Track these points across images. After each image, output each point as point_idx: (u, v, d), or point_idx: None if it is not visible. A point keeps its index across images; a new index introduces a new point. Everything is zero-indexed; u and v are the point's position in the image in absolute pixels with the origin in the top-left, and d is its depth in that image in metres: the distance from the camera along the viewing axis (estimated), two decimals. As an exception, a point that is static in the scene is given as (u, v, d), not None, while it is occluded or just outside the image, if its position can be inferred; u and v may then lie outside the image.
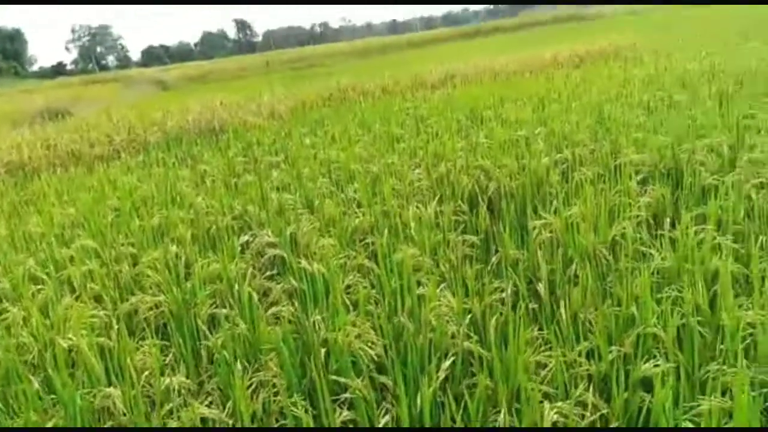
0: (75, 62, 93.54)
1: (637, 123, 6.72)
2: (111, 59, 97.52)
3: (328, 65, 38.82)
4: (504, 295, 3.34)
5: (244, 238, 4.76)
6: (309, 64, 41.51)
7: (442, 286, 3.61)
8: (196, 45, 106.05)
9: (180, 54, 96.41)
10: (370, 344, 3.09)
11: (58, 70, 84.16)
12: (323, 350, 3.13)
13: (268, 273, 4.35)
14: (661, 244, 3.76)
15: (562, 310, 3.14)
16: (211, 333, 3.54)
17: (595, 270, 3.62)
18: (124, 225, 6.03)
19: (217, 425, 2.86)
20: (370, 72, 21.76)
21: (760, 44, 12.94)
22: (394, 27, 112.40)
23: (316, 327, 3.34)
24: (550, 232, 4.07)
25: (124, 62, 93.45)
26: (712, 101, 7.35)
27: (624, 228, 3.88)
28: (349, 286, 3.80)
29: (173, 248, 5.05)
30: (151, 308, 4.05)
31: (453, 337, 3.10)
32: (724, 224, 3.89)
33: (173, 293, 4.05)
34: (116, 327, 3.74)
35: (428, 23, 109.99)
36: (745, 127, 5.73)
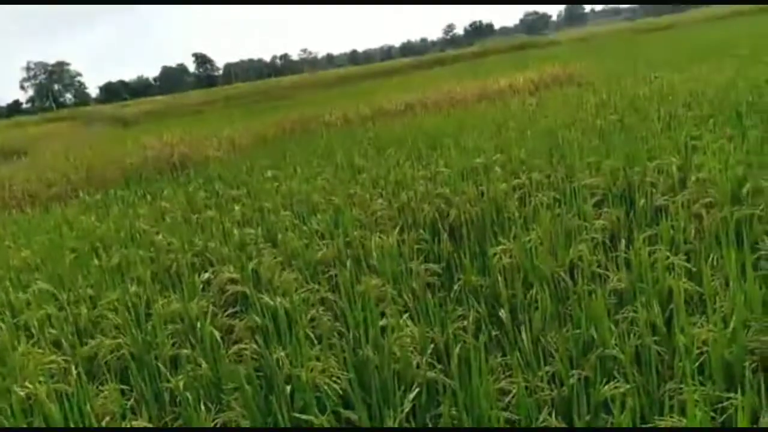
0: (31, 100, 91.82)
1: (591, 147, 6.91)
2: (69, 96, 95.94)
3: (289, 97, 38.97)
4: (466, 323, 3.36)
5: (205, 275, 4.69)
6: (270, 96, 41.56)
7: (405, 316, 3.61)
8: (155, 80, 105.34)
9: (139, 89, 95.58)
10: (334, 379, 3.06)
11: (14, 108, 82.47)
12: (288, 387, 3.09)
13: (230, 310, 4.28)
14: (617, 266, 3.85)
15: (524, 335, 3.17)
16: (173, 374, 3.47)
17: (554, 294, 3.68)
18: (83, 266, 5.89)
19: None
20: (331, 103, 21.92)
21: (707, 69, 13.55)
22: (354, 57, 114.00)
23: (280, 363, 3.30)
24: (510, 257, 4.13)
25: (83, 99, 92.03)
26: (661, 123, 7.63)
27: (581, 251, 3.96)
28: (312, 319, 3.77)
29: (133, 288, 4.96)
30: (111, 351, 3.94)
31: (417, 367, 3.10)
32: (677, 243, 4.01)
33: (133, 335, 3.96)
34: (75, 372, 3.64)
35: (387, 53, 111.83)
36: (692, 147, 5.96)
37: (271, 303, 3.86)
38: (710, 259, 3.65)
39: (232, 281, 4.56)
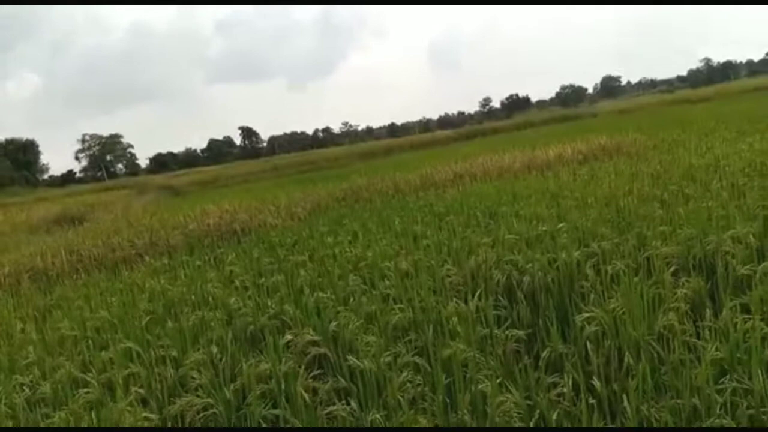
0: (84, 170, 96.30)
1: (656, 216, 6.91)
2: (120, 167, 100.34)
3: (334, 167, 40.04)
4: (564, 389, 3.34)
5: (288, 337, 4.78)
6: (315, 167, 42.78)
7: (497, 381, 3.61)
8: (203, 152, 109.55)
9: (187, 160, 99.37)
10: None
11: (68, 178, 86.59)
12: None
13: (313, 372, 4.34)
14: (709, 334, 3.80)
15: (626, 403, 3.14)
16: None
17: (648, 362, 3.63)
18: (159, 327, 6.07)
19: None
20: (377, 172, 22.44)
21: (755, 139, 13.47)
22: (392, 130, 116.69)
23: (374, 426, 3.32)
24: (596, 325, 4.12)
25: (133, 169, 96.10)
26: (726, 192, 7.59)
27: (670, 319, 3.93)
28: (402, 383, 3.80)
29: (214, 349, 5.08)
30: (199, 411, 4.03)
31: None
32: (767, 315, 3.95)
33: (223, 393, 4.05)
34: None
35: (426, 126, 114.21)
36: (765, 217, 5.91)
37: (359, 365, 3.91)
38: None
39: (313, 343, 4.64)
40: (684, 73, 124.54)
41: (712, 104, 40.31)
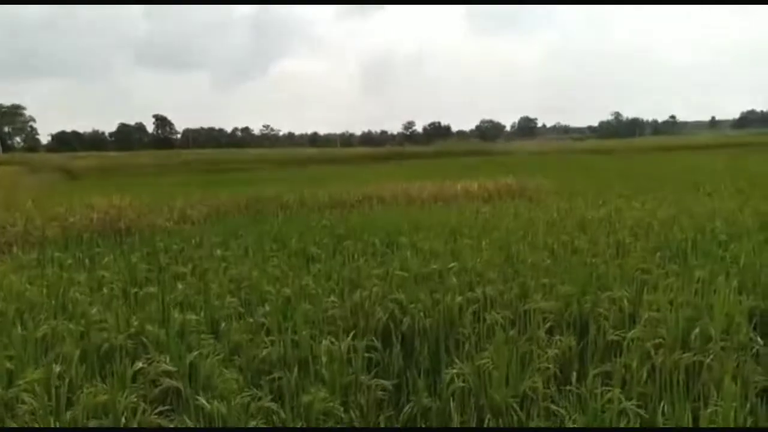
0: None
1: (544, 266, 7.04)
2: (18, 140, 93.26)
3: (248, 170, 39.03)
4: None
5: (139, 364, 4.35)
6: (228, 167, 41.51)
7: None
8: (111, 135, 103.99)
9: (93, 143, 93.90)
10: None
11: (-44, 145, 79.35)
12: None
13: (161, 407, 3.95)
14: (570, 401, 3.79)
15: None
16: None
17: (507, 424, 3.56)
18: (3, 333, 5.41)
19: None
20: (289, 183, 22.01)
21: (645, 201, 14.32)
22: (315, 139, 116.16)
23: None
24: (463, 381, 4.02)
25: (33, 144, 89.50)
26: (610, 250, 7.88)
27: (535, 383, 3.89)
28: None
29: (57, 368, 4.54)
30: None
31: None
32: (628, 384, 4.00)
33: (50, 423, 3.58)
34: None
35: (348, 140, 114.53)
36: (641, 281, 6.13)
37: (206, 405, 3.58)
38: (662, 406, 3.63)
39: (167, 374, 4.24)
40: (596, 123, 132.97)
41: (616, 157, 42.96)
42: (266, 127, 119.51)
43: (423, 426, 3.77)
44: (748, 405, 3.66)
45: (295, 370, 4.13)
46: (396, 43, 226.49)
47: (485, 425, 3.58)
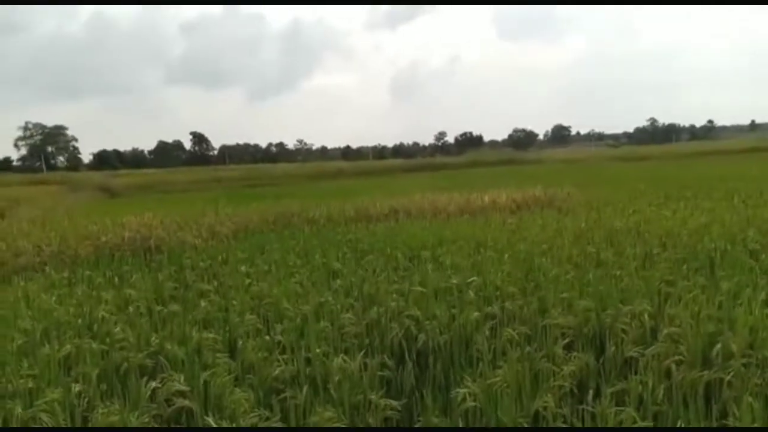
0: (23, 159, 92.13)
1: (566, 279, 6.91)
2: (61, 159, 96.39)
3: (279, 185, 39.53)
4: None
5: (152, 384, 4.42)
6: (260, 182, 42.15)
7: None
8: (150, 153, 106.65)
9: (133, 160, 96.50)
10: None
11: (3, 165, 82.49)
12: None
13: (173, 426, 4.01)
14: (584, 421, 3.70)
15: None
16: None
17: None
18: (30, 352, 5.57)
19: None
20: (319, 197, 22.18)
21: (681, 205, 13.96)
22: (347, 153, 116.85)
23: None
24: (474, 400, 3.97)
25: (75, 164, 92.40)
26: (636, 262, 7.69)
27: (546, 402, 3.81)
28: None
29: (77, 387, 4.66)
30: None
31: None
32: (645, 402, 3.89)
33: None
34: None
35: (380, 153, 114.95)
36: (665, 294, 5.96)
37: (212, 424, 3.61)
38: (679, 425, 3.52)
39: (180, 394, 4.30)
40: (631, 129, 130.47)
41: (650, 164, 42.07)
42: (300, 141, 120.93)
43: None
44: (771, 425, 3.52)
45: (305, 389, 4.14)
46: (426, 53, 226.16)
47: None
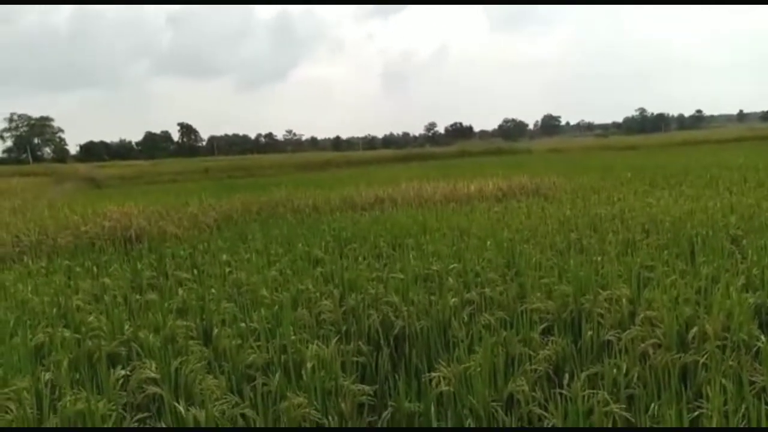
0: (8, 150, 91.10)
1: (547, 265, 6.88)
2: (47, 151, 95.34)
3: (267, 175, 39.26)
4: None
5: (121, 372, 4.34)
6: (248, 173, 41.86)
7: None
8: (137, 144, 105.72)
9: (120, 152, 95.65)
10: None
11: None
12: None
13: (141, 414, 3.93)
14: (556, 404, 3.66)
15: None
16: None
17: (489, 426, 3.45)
18: (1, 342, 5.47)
19: None
20: (305, 187, 22.04)
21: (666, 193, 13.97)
22: (337, 143, 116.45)
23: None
24: (447, 385, 3.92)
25: (61, 155, 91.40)
26: (617, 247, 7.67)
27: (520, 385, 3.77)
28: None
29: (47, 376, 4.57)
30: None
31: None
32: (618, 385, 3.85)
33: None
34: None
35: (370, 143, 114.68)
36: (645, 279, 5.94)
37: (183, 414, 3.54)
38: (651, 409, 3.49)
39: (151, 381, 4.23)
40: (620, 119, 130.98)
41: (638, 153, 42.19)
42: (289, 132, 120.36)
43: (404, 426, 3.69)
44: (744, 406, 3.49)
45: (278, 375, 4.07)
46: (416, 44, 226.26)
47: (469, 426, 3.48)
